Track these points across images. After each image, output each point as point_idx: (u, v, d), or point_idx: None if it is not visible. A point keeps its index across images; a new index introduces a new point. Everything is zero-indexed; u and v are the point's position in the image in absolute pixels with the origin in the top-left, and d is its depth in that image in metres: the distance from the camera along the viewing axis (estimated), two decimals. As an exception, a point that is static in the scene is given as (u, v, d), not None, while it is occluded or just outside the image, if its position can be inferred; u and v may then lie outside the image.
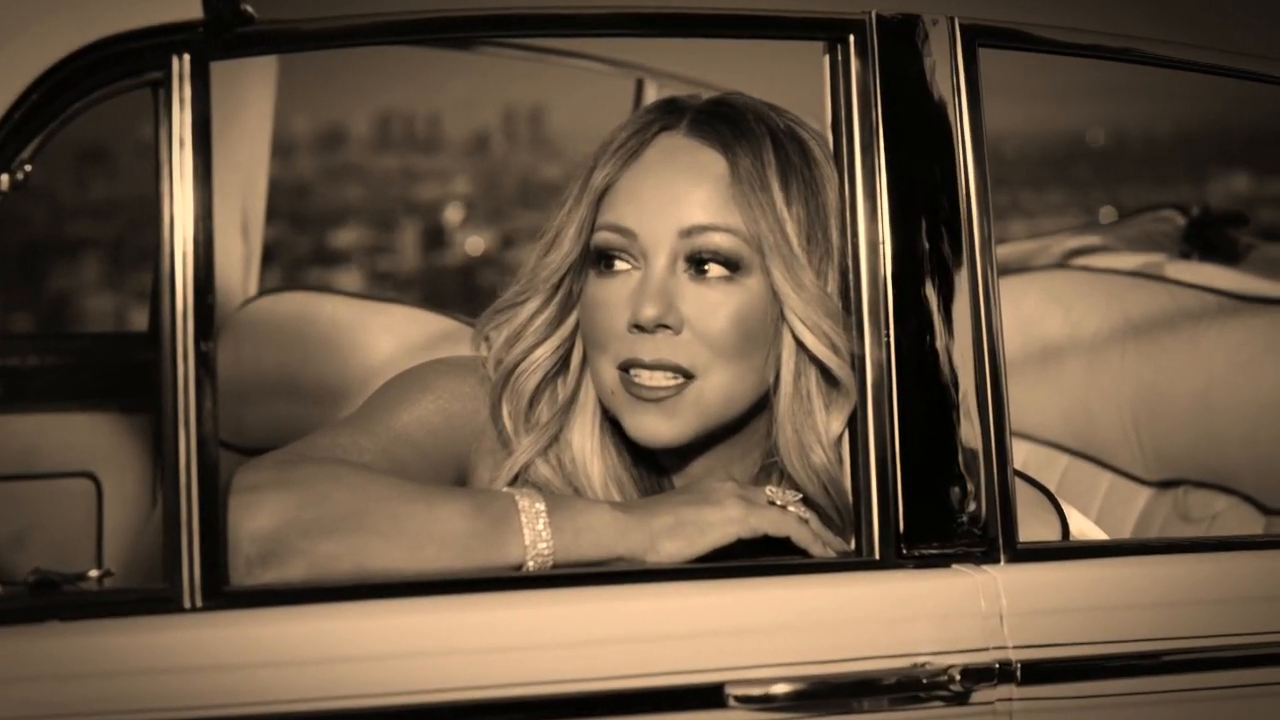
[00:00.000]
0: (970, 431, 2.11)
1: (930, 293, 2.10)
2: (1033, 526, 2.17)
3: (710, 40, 2.15)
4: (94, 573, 1.86)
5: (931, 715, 2.04)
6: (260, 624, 1.85)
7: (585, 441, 2.16)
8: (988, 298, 2.13)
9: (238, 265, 3.69)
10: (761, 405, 2.13)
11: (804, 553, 2.07)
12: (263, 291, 3.66)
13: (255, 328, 3.38)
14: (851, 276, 2.09)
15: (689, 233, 2.06)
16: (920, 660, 2.04)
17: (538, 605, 1.94)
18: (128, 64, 1.84)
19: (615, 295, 2.08)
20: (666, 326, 2.05)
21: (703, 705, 1.96)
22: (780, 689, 1.98)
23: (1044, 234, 4.19)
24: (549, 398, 2.16)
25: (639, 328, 2.05)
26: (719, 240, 2.06)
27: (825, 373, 2.09)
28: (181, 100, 1.85)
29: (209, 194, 1.85)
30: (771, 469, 2.16)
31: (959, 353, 2.11)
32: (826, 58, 2.12)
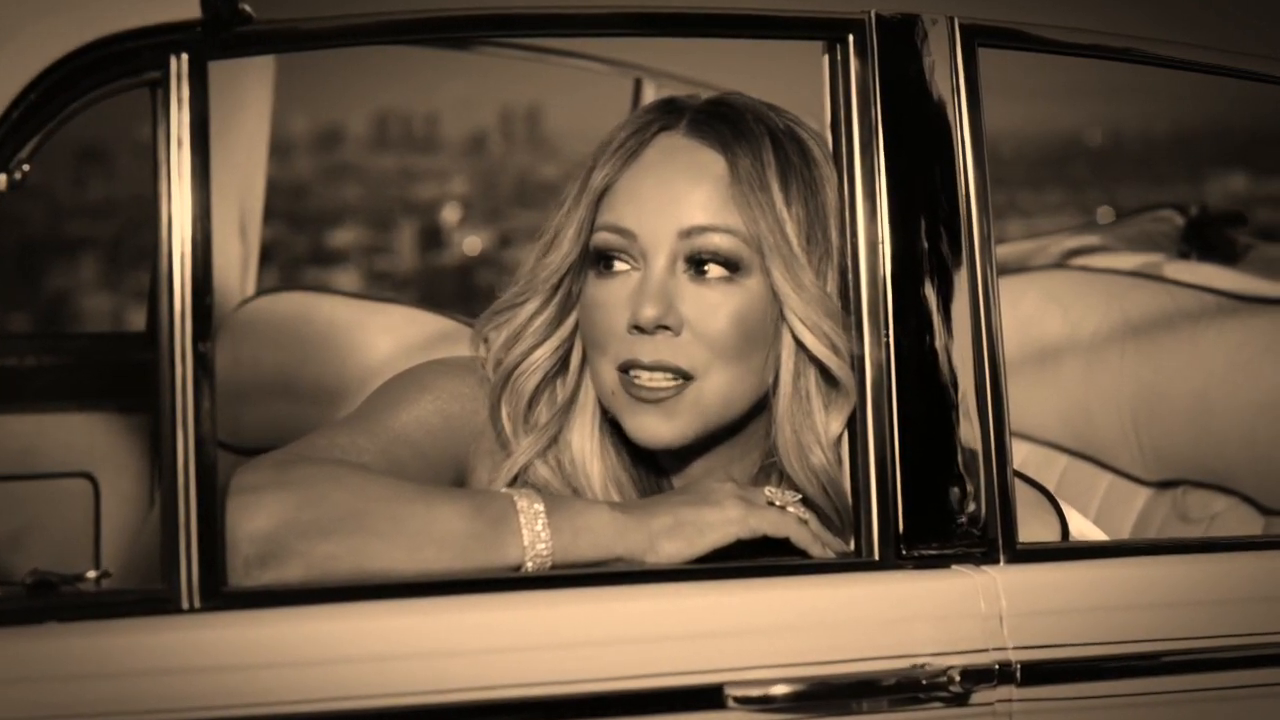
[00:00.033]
0: (970, 432, 2.11)
1: (930, 293, 2.10)
2: (1032, 527, 2.17)
3: (709, 40, 2.14)
4: (92, 574, 1.86)
5: (931, 716, 2.04)
6: (259, 625, 1.85)
7: (585, 442, 2.16)
8: (987, 298, 2.12)
9: (235, 265, 3.69)
10: (761, 406, 2.13)
11: (803, 553, 2.07)
12: (261, 291, 3.65)
13: (253, 328, 3.38)
14: (851, 276, 2.09)
15: (688, 233, 2.06)
16: (920, 661, 2.03)
17: (536, 606, 1.94)
18: (126, 63, 1.84)
19: (615, 296, 2.08)
20: (666, 327, 2.05)
21: (702, 706, 1.96)
22: (780, 690, 1.97)
23: (1042, 234, 4.19)
24: (548, 399, 2.16)
25: (638, 329, 2.05)
26: (718, 241, 2.06)
27: (824, 373, 2.09)
28: (179, 100, 1.84)
29: (207, 194, 1.85)
30: (771, 469, 2.16)
31: (958, 353, 2.11)
32: (826, 57, 2.12)
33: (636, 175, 2.10)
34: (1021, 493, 2.17)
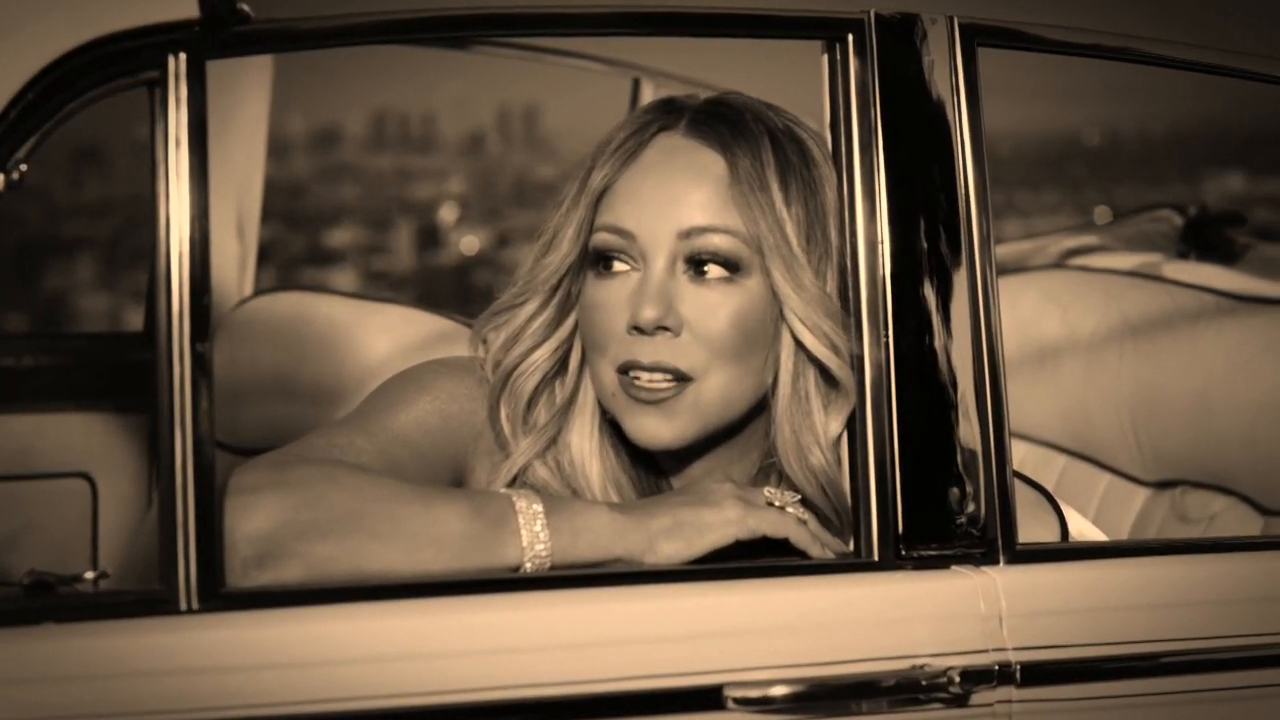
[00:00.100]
0: (969, 432, 2.11)
1: (929, 292, 2.10)
2: (1032, 528, 2.16)
3: (708, 40, 2.14)
4: (90, 574, 1.85)
5: (931, 717, 2.04)
6: (257, 626, 1.85)
7: (584, 443, 2.15)
8: (987, 298, 2.12)
9: (233, 265, 3.69)
10: (760, 406, 2.13)
11: (803, 554, 2.07)
12: (258, 291, 3.65)
13: (251, 328, 3.38)
14: (850, 276, 2.09)
15: (688, 234, 2.06)
16: (919, 662, 2.03)
17: (535, 607, 1.94)
18: (124, 63, 1.84)
19: (614, 297, 2.08)
20: (666, 328, 2.05)
21: (701, 707, 1.95)
22: (779, 691, 1.97)
23: (1040, 234, 4.19)
24: (547, 399, 2.16)
25: (638, 329, 2.05)
26: (718, 241, 2.06)
27: (824, 374, 2.09)
28: (178, 99, 1.84)
29: (205, 194, 1.85)
30: (770, 470, 2.15)
31: (958, 353, 2.11)
32: (825, 57, 2.12)
33: (636, 176, 2.09)
34: (1021, 493, 2.17)
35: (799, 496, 2.10)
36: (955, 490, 2.10)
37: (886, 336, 2.08)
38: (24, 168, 1.84)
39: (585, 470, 2.14)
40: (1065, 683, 2.10)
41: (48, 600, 1.82)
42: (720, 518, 2.03)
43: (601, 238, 2.09)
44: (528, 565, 1.96)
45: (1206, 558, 2.28)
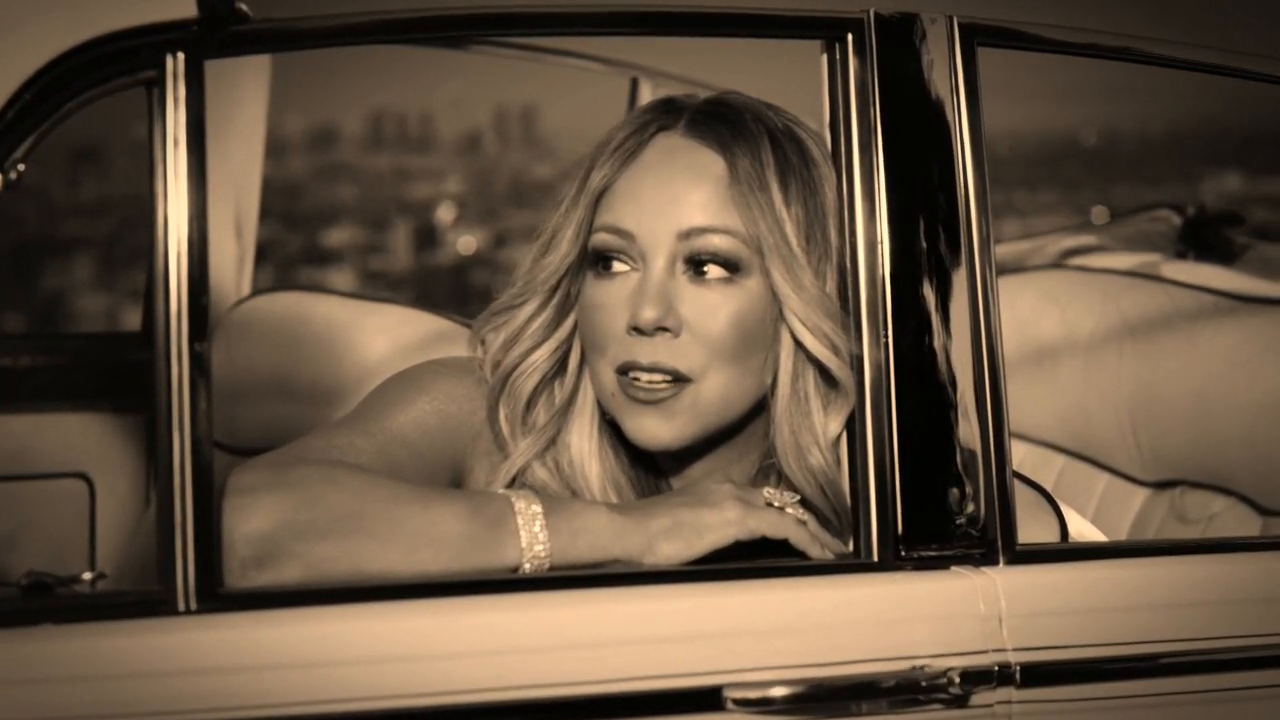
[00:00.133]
0: (969, 432, 2.10)
1: (929, 292, 2.09)
2: (1031, 528, 2.16)
3: (706, 39, 2.14)
4: (88, 575, 1.85)
5: (930, 718, 2.04)
6: (255, 627, 1.84)
7: (583, 444, 2.15)
8: (986, 297, 2.12)
9: (231, 265, 3.69)
10: (760, 407, 2.12)
11: (802, 555, 2.07)
12: (256, 291, 3.65)
13: (249, 328, 3.37)
14: (850, 276, 2.08)
15: (688, 235, 2.05)
16: (919, 663, 2.03)
17: (534, 608, 1.94)
18: (122, 63, 1.83)
19: (613, 297, 2.07)
20: (665, 329, 2.04)
21: (701, 708, 1.95)
22: (778, 692, 1.97)
23: (1037, 234, 4.19)
24: (546, 400, 2.16)
25: (637, 330, 2.04)
26: (718, 242, 2.05)
27: (823, 374, 2.09)
28: (176, 99, 1.84)
29: (203, 193, 1.85)
30: (770, 470, 2.15)
31: (957, 353, 2.11)
32: (824, 56, 2.12)
33: (635, 176, 2.09)
34: (1020, 494, 2.16)
35: (798, 497, 2.09)
36: (955, 491, 2.09)
37: (886, 337, 2.07)
38: (22, 168, 1.83)
39: (584, 471, 2.14)
40: (1065, 683, 2.09)
41: (46, 601, 1.82)
42: (720, 518, 2.03)
43: (601, 238, 2.09)
44: (526, 566, 1.96)
45: (1206, 558, 2.27)
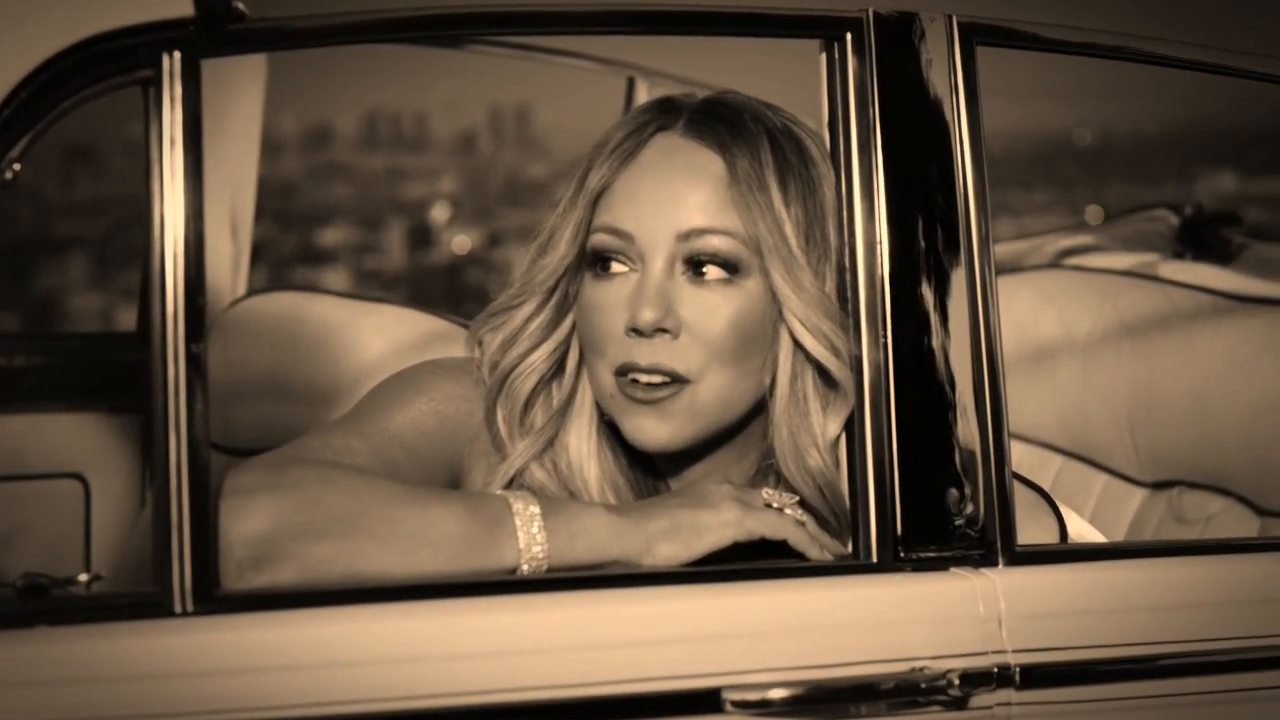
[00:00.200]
0: (968, 433, 2.10)
1: (928, 292, 2.09)
2: (1030, 529, 2.16)
3: (705, 39, 2.13)
4: (83, 577, 1.85)
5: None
6: (252, 629, 1.84)
7: (582, 445, 2.15)
8: (986, 297, 2.11)
9: (226, 265, 3.68)
10: (759, 407, 2.12)
11: (801, 556, 2.06)
12: (252, 291, 3.64)
13: (244, 328, 3.37)
14: (849, 276, 2.08)
15: (687, 236, 2.05)
16: (918, 664, 2.02)
17: (532, 609, 1.93)
18: (118, 61, 1.83)
19: (612, 298, 2.07)
20: (665, 330, 2.04)
21: (699, 710, 1.95)
22: (777, 693, 1.96)
23: (1032, 233, 4.19)
24: (544, 401, 2.15)
25: (636, 331, 2.04)
26: (717, 243, 2.05)
27: (822, 375, 2.08)
28: (172, 98, 1.83)
29: (200, 193, 1.84)
30: (768, 471, 2.14)
31: (957, 353, 2.10)
32: (823, 56, 2.11)
33: (634, 176, 2.08)
34: (1020, 495, 2.16)
35: (797, 498, 2.09)
36: (954, 491, 2.09)
37: (885, 337, 2.07)
38: (17, 167, 1.83)
39: (583, 472, 2.14)
40: (1064, 685, 2.09)
41: (41, 603, 1.81)
42: (718, 519, 2.02)
43: (599, 239, 2.08)
44: (524, 567, 1.95)
45: (1206, 559, 2.27)
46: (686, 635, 1.96)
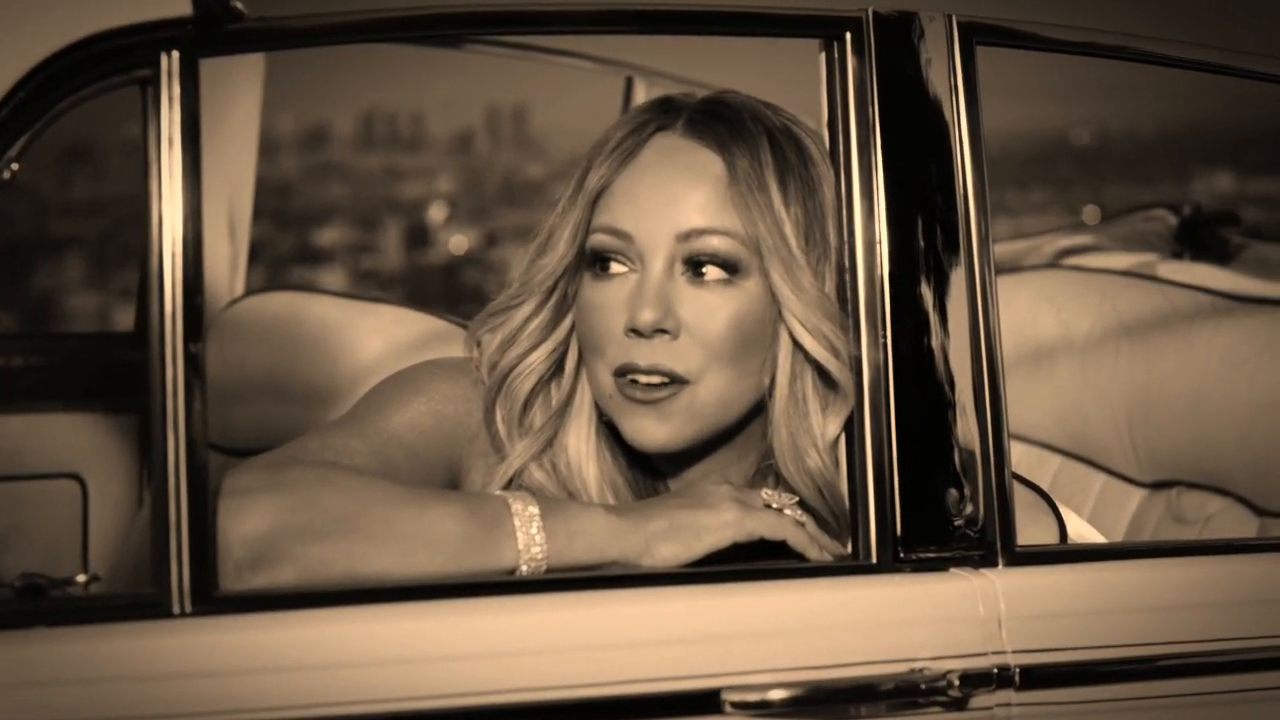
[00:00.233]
0: (968, 433, 2.10)
1: (927, 292, 2.09)
2: (1030, 530, 2.15)
3: (704, 38, 2.13)
4: (81, 577, 1.84)
5: (929, 721, 2.03)
6: (250, 629, 1.83)
7: (581, 445, 2.14)
8: (985, 297, 2.11)
9: (224, 265, 3.68)
10: (758, 408, 2.11)
11: (800, 556, 2.06)
12: (250, 291, 3.64)
13: (242, 328, 3.36)
14: (849, 276, 2.07)
15: (687, 236, 2.04)
16: (918, 665, 2.02)
17: (531, 610, 1.93)
18: (116, 61, 1.83)
19: (611, 298, 2.07)
20: (664, 331, 2.04)
21: (699, 711, 1.94)
22: (777, 694, 1.96)
23: (1030, 233, 4.19)
24: (543, 402, 2.15)
25: (636, 332, 2.04)
26: (717, 243, 2.04)
27: (822, 375, 2.08)
28: (170, 98, 1.83)
29: (198, 193, 1.84)
30: (768, 472, 2.14)
31: (956, 353, 2.10)
32: (823, 55, 2.11)
33: (633, 176, 2.08)
34: (1019, 495, 2.16)
35: (797, 499, 2.09)
36: (954, 492, 2.09)
37: (884, 337, 2.07)
38: (15, 166, 1.83)
39: (582, 472, 2.13)
40: (1064, 686, 2.09)
41: (39, 603, 1.81)
42: (717, 520, 2.02)
43: (599, 239, 2.08)
44: (523, 568, 1.95)
45: (1206, 560, 2.27)
46: (686, 636, 1.96)
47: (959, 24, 2.13)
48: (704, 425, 2.08)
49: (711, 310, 2.04)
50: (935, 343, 2.09)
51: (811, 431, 2.09)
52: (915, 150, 2.10)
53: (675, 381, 2.05)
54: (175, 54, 1.83)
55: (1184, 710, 2.15)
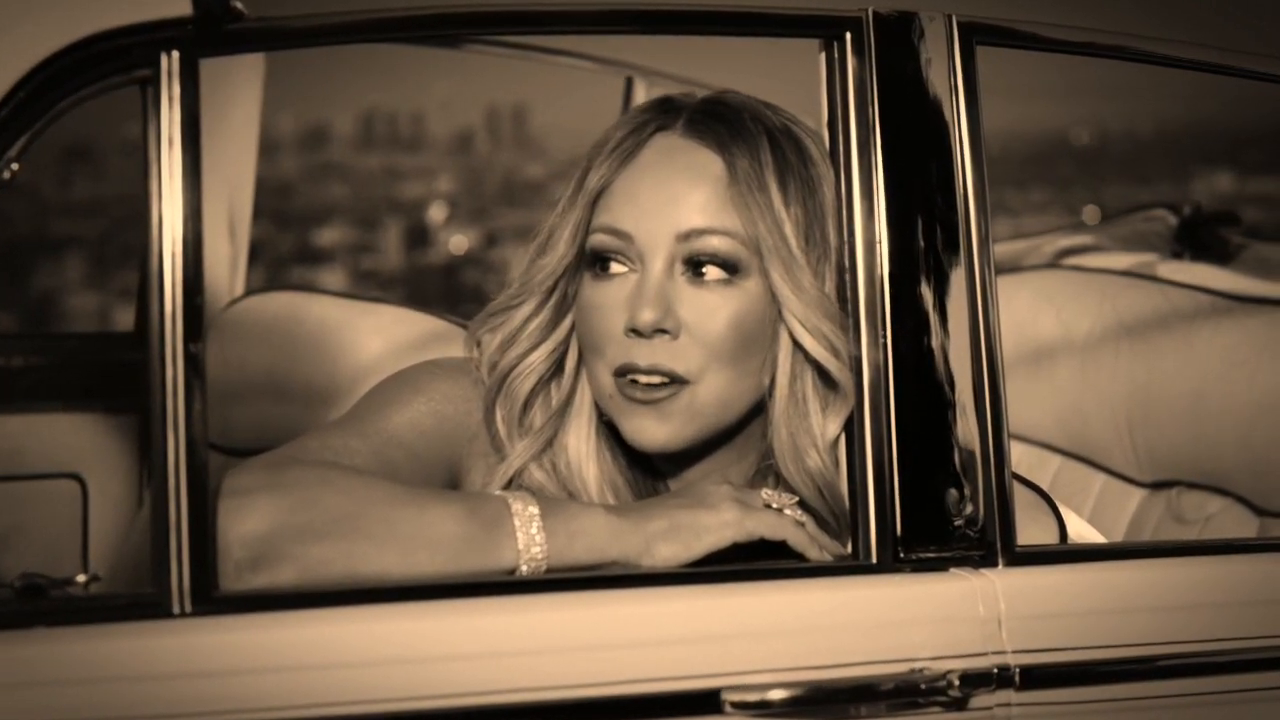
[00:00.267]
0: (968, 433, 2.10)
1: (927, 292, 2.09)
2: (1030, 530, 2.15)
3: (704, 38, 2.13)
4: (81, 577, 1.84)
5: (929, 721, 2.03)
6: (251, 630, 1.83)
7: (581, 445, 2.14)
8: (985, 297, 2.11)
9: (224, 265, 3.68)
10: (758, 408, 2.11)
11: (800, 556, 2.06)
12: (249, 291, 3.64)
13: (242, 328, 3.36)
14: (849, 276, 2.07)
15: (687, 236, 2.04)
16: (918, 665, 2.02)
17: (531, 610, 1.93)
18: (116, 61, 1.83)
19: (611, 298, 2.06)
20: (664, 331, 2.03)
21: (699, 711, 1.94)
22: (777, 695, 1.96)
23: (1029, 233, 4.18)
24: (543, 402, 2.15)
25: (636, 332, 2.04)
26: (717, 244, 2.04)
27: (821, 376, 2.08)
28: (171, 98, 1.83)
29: (198, 193, 1.84)
30: (768, 472, 2.14)
31: (956, 353, 2.10)
32: (822, 55, 2.11)
33: (633, 176, 2.08)
34: (1019, 495, 2.16)
35: (797, 499, 2.08)
36: (954, 492, 2.09)
37: (884, 337, 2.07)
38: (15, 166, 1.82)
39: (582, 472, 2.13)
40: (1064, 686, 2.09)
41: (39, 603, 1.81)
42: (717, 520, 2.02)
43: (599, 239, 2.08)
44: (523, 568, 1.95)
45: (1206, 560, 2.27)
46: (686, 636, 1.96)
47: (959, 24, 2.13)
48: (704, 425, 2.07)
49: (711, 310, 2.04)
50: (935, 343, 2.09)
51: (811, 431, 2.09)
52: (915, 150, 2.10)
53: (675, 381, 2.04)
54: (175, 54, 1.83)
55: (1184, 710, 2.15)
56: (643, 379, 2.04)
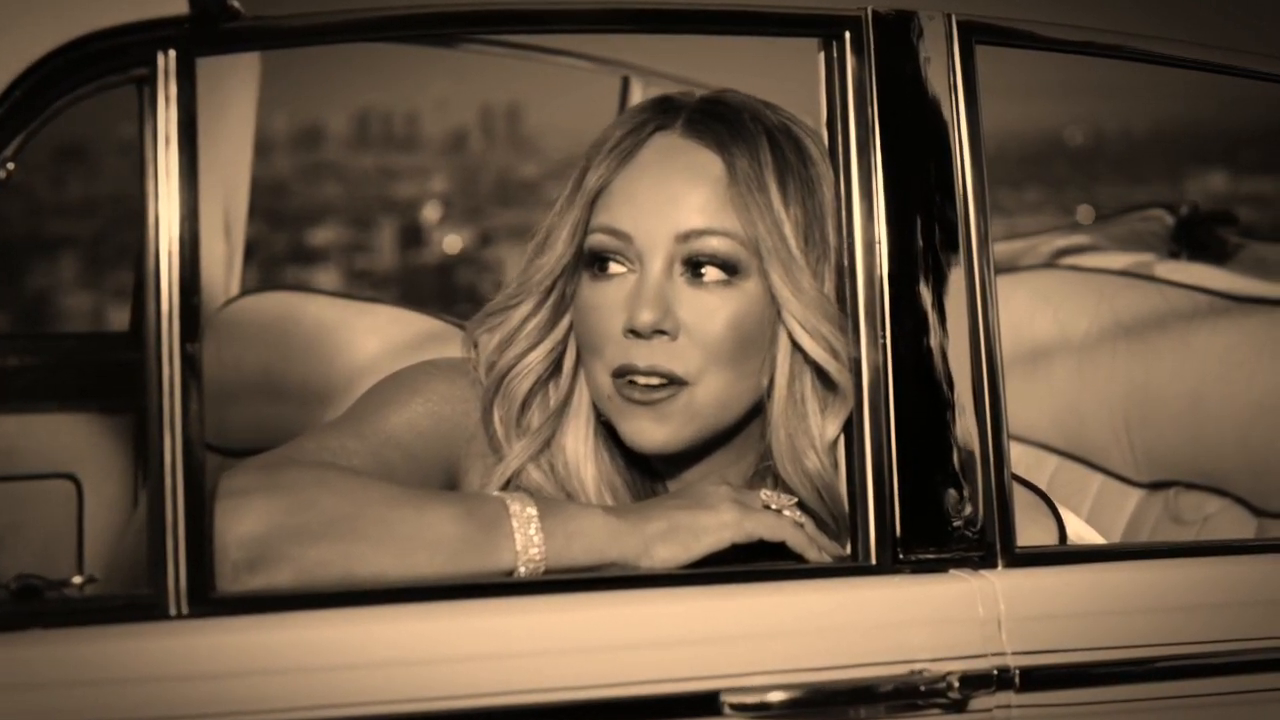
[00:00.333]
0: (967, 434, 2.09)
1: (927, 292, 2.08)
2: (1030, 531, 2.15)
3: (703, 37, 2.13)
4: (77, 579, 1.84)
5: (929, 722, 2.03)
6: (247, 631, 1.83)
7: (579, 446, 2.14)
8: (985, 297, 2.11)
9: (220, 264, 3.67)
10: (757, 409, 2.11)
11: (799, 558, 2.05)
12: (245, 291, 3.63)
13: (238, 328, 3.36)
14: (848, 276, 2.07)
15: (686, 237, 2.04)
16: (918, 667, 2.02)
17: (529, 611, 1.92)
18: (112, 60, 1.82)
19: (610, 299, 2.06)
20: (663, 332, 2.03)
21: (698, 713, 1.94)
22: (776, 696, 1.95)
23: (1027, 233, 4.18)
24: (541, 402, 2.14)
25: (634, 333, 2.03)
26: (716, 244, 2.04)
27: (821, 376, 2.07)
28: (167, 97, 1.83)
29: (195, 192, 1.83)
30: (767, 473, 2.14)
31: (955, 354, 2.10)
32: (822, 55, 2.10)
33: (632, 176, 2.08)
34: (1018, 496, 2.15)
35: (796, 500, 2.08)
36: (953, 493, 2.08)
37: (884, 337, 2.06)
38: (10, 166, 1.82)
39: (580, 473, 2.13)
40: (1064, 687, 2.08)
41: (35, 605, 1.80)
42: (716, 521, 2.01)
43: (597, 239, 2.07)
44: (521, 569, 1.94)
45: (1205, 561, 2.27)
46: (685, 637, 1.96)
47: (958, 23, 2.13)
48: (702, 426, 2.07)
49: (710, 311, 2.04)
50: (934, 343, 2.08)
51: (810, 432, 2.08)
52: (914, 150, 2.10)
53: (674, 382, 2.04)
54: (172, 53, 1.83)
55: (1184, 711, 2.14)
56: (641, 380, 2.04)
